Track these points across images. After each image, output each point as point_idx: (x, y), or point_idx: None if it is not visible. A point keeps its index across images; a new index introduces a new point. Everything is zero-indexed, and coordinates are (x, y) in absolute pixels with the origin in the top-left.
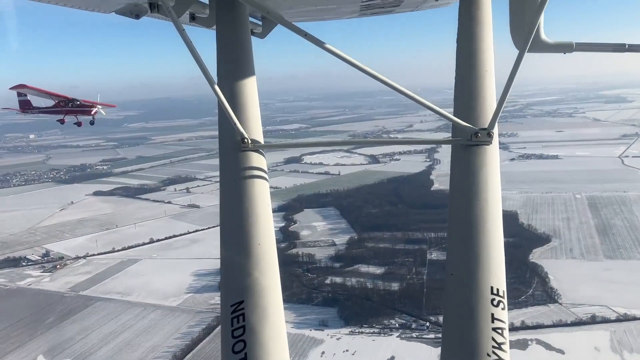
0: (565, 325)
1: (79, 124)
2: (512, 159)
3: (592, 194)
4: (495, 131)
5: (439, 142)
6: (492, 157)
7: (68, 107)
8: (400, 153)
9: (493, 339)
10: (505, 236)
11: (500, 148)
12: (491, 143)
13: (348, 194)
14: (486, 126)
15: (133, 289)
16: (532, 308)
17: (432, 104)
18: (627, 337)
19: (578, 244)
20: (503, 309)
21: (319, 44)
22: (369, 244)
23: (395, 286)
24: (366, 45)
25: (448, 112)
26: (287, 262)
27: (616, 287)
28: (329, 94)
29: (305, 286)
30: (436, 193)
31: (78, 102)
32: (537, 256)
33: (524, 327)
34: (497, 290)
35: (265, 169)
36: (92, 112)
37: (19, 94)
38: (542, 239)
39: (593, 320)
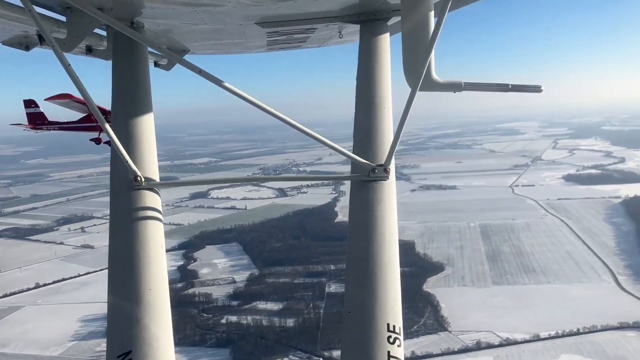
0: (453, 353)
1: (97, 140)
2: (413, 190)
3: (484, 222)
4: (392, 166)
5: (339, 179)
6: (389, 193)
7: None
8: (307, 186)
9: None
10: (401, 266)
11: (402, 179)
12: (388, 178)
13: (253, 228)
14: (383, 162)
15: (10, 340)
16: (423, 337)
17: (330, 141)
18: None
19: (469, 271)
20: (399, 345)
21: (215, 80)
22: (270, 280)
23: (291, 322)
24: (279, 77)
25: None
26: (183, 303)
27: (501, 313)
28: (241, 127)
29: (199, 327)
30: (339, 225)
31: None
32: (430, 285)
33: (414, 357)
34: (394, 327)
35: (160, 208)
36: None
37: (28, 105)
38: (436, 268)
39: (478, 347)
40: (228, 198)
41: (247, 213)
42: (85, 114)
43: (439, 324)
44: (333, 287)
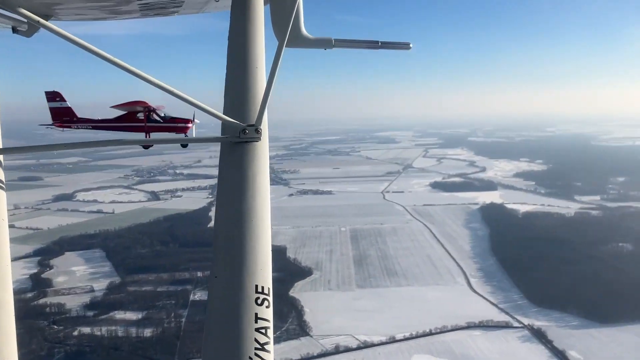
0: (312, 357)
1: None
2: (291, 195)
3: (355, 226)
4: (265, 127)
5: (206, 140)
6: (261, 154)
7: (152, 120)
8: (183, 190)
9: (256, 340)
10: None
11: (281, 184)
12: (260, 139)
13: (118, 234)
14: (254, 122)
15: None
16: (284, 343)
17: (202, 103)
18: None
19: (336, 275)
20: (268, 307)
21: (85, 48)
22: (131, 288)
23: (150, 332)
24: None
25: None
26: (31, 315)
27: (362, 316)
28: None
29: (48, 341)
30: (212, 230)
31: (163, 115)
32: (297, 290)
33: None
34: (262, 288)
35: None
36: (187, 130)
37: (52, 98)
38: (304, 272)
39: (337, 351)
40: (95, 201)
41: (115, 217)
42: (125, 111)
43: (301, 329)
44: (198, 295)
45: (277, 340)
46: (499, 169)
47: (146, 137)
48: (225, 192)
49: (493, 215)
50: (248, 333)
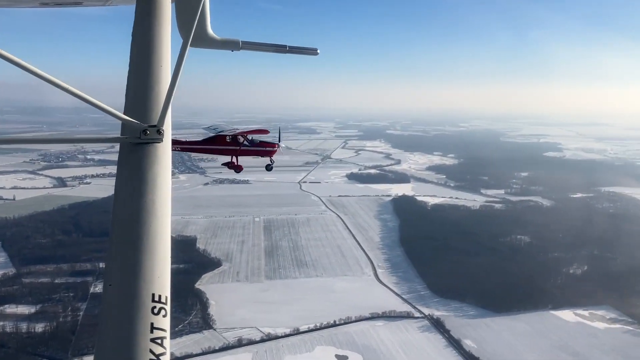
0: (214, 351)
1: (238, 168)
2: (206, 184)
3: (269, 217)
4: (167, 128)
5: (105, 141)
6: (163, 156)
7: (246, 143)
8: (92, 176)
9: (151, 351)
10: (179, 262)
11: (197, 173)
12: (162, 141)
13: (17, 222)
14: (156, 123)
15: None
16: (186, 337)
17: (101, 103)
18: (266, 357)
19: (246, 266)
20: (165, 316)
21: None
22: (27, 280)
23: (43, 327)
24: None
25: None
26: None
27: (268, 308)
28: (27, 108)
29: None
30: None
31: (250, 138)
32: (205, 282)
33: (173, 359)
34: (159, 296)
35: None
36: (274, 153)
37: None
38: (213, 264)
39: (239, 344)
40: None
41: (15, 204)
42: (215, 134)
43: (205, 322)
44: (99, 287)
45: (178, 334)
46: (413, 161)
47: (236, 160)
48: (123, 196)
49: (404, 207)
50: (143, 344)
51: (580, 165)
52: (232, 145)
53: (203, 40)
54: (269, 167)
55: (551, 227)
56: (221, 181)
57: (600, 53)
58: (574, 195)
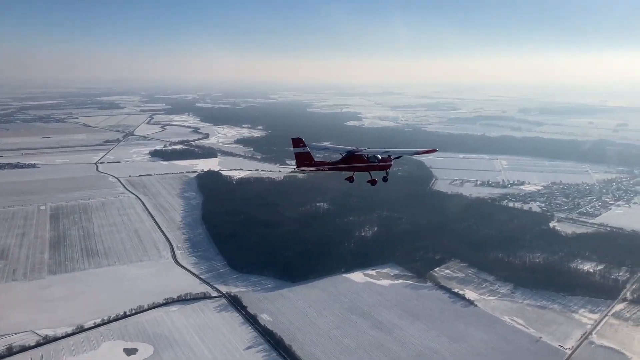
0: None
1: (372, 182)
2: None
3: (58, 204)
4: None
5: None
6: None
7: (364, 160)
8: None
9: None
10: None
11: None
12: None
13: None
14: None
15: None
16: None
17: None
18: None
19: (25, 262)
20: None
21: None
22: None
23: None
24: None
25: None
26: None
27: (49, 306)
28: None
29: None
30: None
31: (368, 156)
32: None
33: None
34: None
35: None
36: (389, 167)
37: (297, 144)
38: None
39: (9, 352)
40: None
41: None
42: (346, 155)
43: None
44: None
45: None
46: (222, 135)
47: (353, 174)
48: None
49: (209, 183)
50: None
51: (376, 132)
52: (368, 163)
53: None
54: (385, 179)
55: (349, 193)
56: (2, 167)
57: (397, 29)
58: None
